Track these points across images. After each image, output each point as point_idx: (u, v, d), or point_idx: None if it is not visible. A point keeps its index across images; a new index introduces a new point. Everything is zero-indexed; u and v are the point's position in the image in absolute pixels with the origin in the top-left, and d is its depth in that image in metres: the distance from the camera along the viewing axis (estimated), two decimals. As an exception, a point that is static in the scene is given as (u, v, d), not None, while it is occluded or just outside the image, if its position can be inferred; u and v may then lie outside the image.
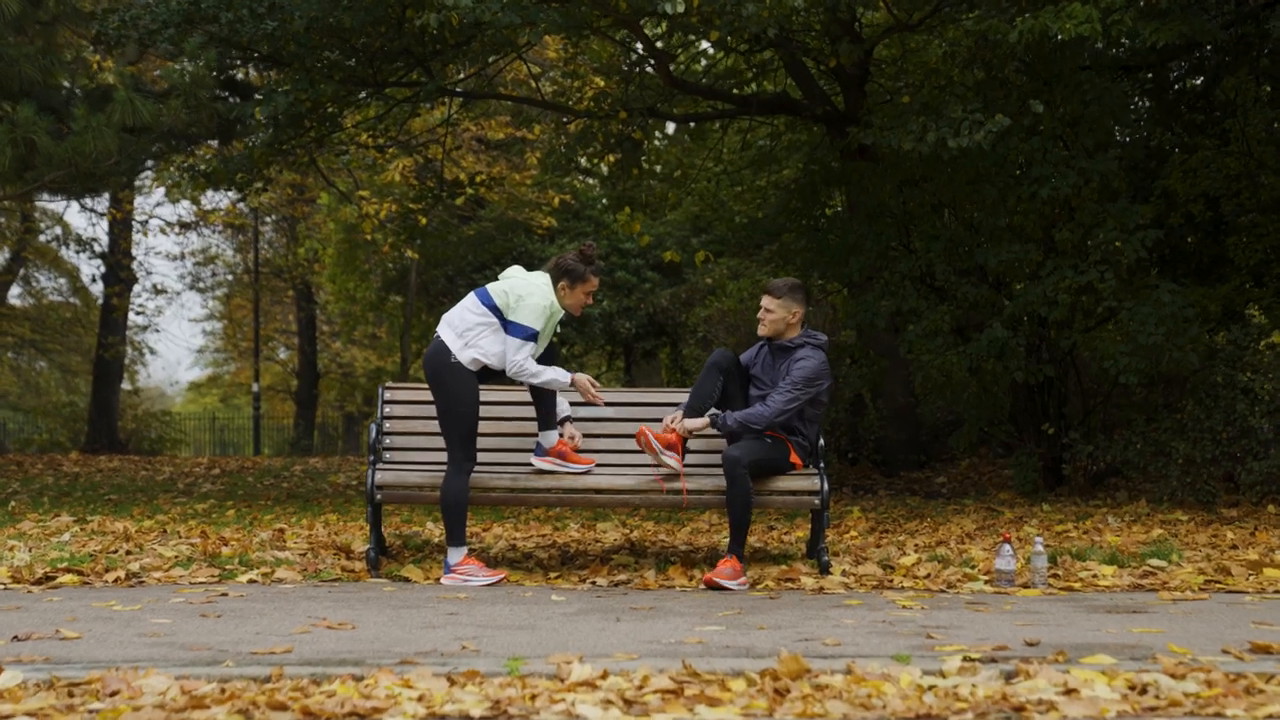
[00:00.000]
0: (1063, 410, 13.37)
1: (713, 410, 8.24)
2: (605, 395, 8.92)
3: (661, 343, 28.79)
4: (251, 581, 7.90)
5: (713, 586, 7.80)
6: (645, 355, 29.50)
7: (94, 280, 37.63)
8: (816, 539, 8.49)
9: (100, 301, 35.00)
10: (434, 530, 10.32)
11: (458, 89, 15.04)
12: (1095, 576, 8.01)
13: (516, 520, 11.13)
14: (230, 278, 43.32)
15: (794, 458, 8.33)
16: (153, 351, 53.28)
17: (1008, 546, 7.87)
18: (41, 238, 36.59)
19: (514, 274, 8.24)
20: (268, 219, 38.40)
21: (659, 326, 27.50)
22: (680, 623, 6.39)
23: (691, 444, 8.50)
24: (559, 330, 8.14)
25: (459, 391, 7.92)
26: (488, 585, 7.86)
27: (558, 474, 8.27)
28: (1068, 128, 12.27)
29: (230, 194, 18.20)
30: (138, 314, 34.01)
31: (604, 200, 27.82)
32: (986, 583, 7.88)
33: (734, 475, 7.97)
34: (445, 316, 8.14)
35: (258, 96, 13.17)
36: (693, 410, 8.34)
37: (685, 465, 8.33)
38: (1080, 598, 7.42)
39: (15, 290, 38.87)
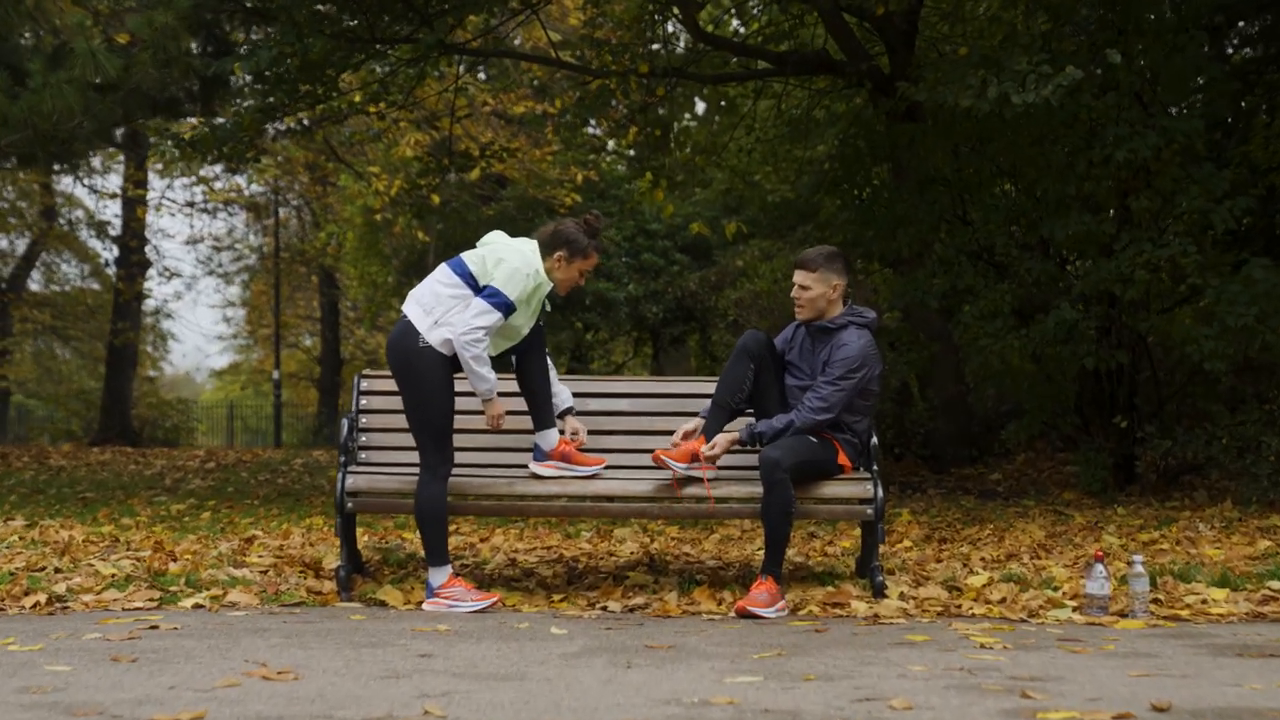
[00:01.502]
0: (1134, 401, 12.00)
1: (742, 425, 6.94)
2: (622, 385, 7.62)
3: (690, 328, 27.83)
4: (197, 607, 6.63)
5: (746, 615, 6.51)
6: (673, 341, 28.53)
7: (105, 265, 36.69)
8: (869, 555, 7.18)
9: (115, 285, 33.91)
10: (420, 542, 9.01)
11: (465, 47, 13.69)
12: (1205, 603, 6.67)
13: (521, 527, 9.78)
14: (250, 262, 42.31)
15: (842, 459, 7.03)
16: (174, 338, 52.43)
17: (1100, 566, 6.54)
18: (60, 221, 35.61)
19: (494, 239, 6.96)
20: (292, 201, 37.41)
21: (687, 311, 26.56)
22: (706, 670, 5.08)
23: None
24: (546, 309, 6.83)
25: (429, 381, 6.64)
26: (477, 611, 6.58)
27: (562, 479, 6.98)
28: (1145, 83, 10.87)
29: (230, 171, 16.59)
30: (145, 299, 32.63)
31: (622, 168, 26.67)
32: (1075, 610, 6.55)
33: (773, 481, 6.67)
34: (412, 293, 6.85)
35: (242, 52, 11.83)
36: (720, 406, 7.04)
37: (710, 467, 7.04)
38: (1194, 632, 6.08)
39: (36, 276, 38.18)
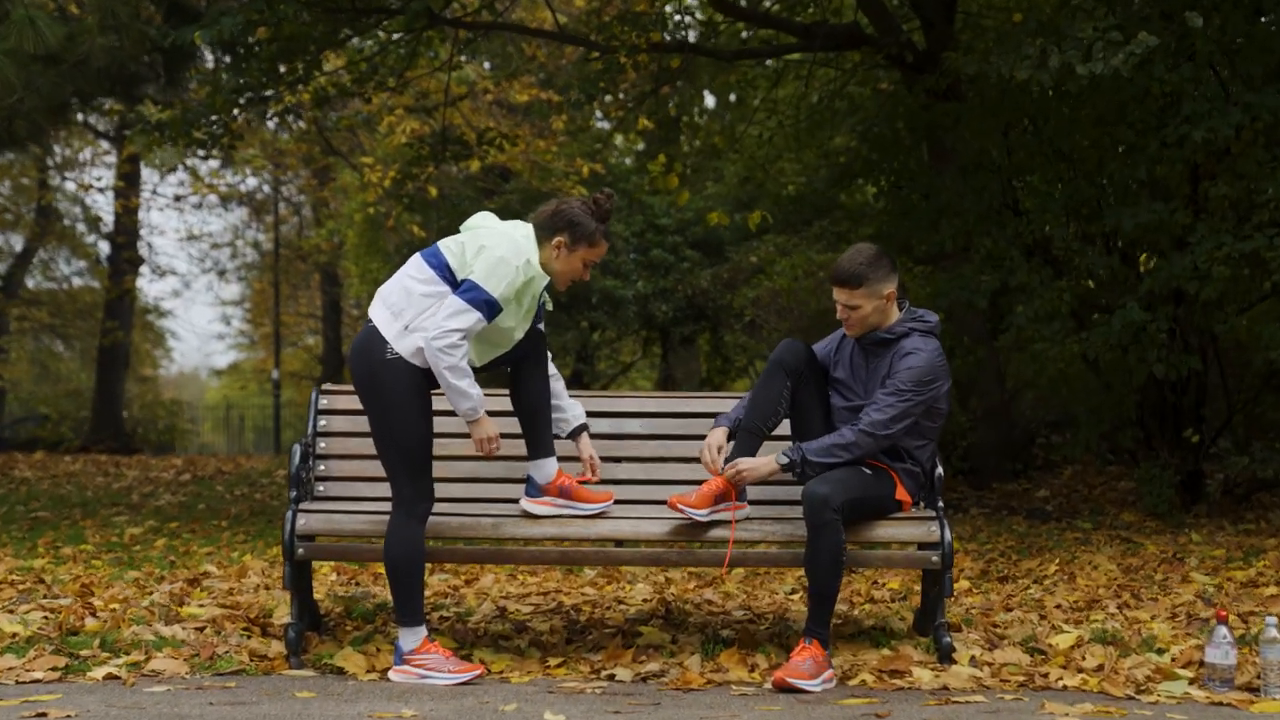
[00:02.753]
0: (1201, 411, 10.74)
1: (783, 452, 5.68)
2: (631, 402, 6.38)
3: (701, 328, 26.75)
4: (109, 679, 5.38)
5: (786, 689, 5.26)
6: (683, 341, 27.43)
7: (97, 263, 35.52)
8: (932, 609, 5.91)
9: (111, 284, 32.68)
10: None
11: (459, 21, 12.41)
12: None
13: (514, 568, 8.42)
14: (250, 259, 41.17)
15: (901, 493, 5.78)
16: (174, 335, 51.31)
17: (1223, 630, 5.27)
18: (66, 221, 34.41)
19: (479, 222, 5.71)
20: (291, 198, 36.33)
21: (699, 310, 25.44)
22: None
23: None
24: (546, 307, 5.60)
25: (399, 399, 5.41)
26: (455, 685, 5.33)
27: (560, 518, 5.74)
28: (1223, 54, 9.57)
29: (207, 159, 15.22)
30: (135, 298, 31.46)
31: (629, 162, 25.54)
32: (1192, 682, 5.30)
33: (820, 524, 5.43)
34: (380, 291, 5.62)
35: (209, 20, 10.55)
36: (750, 433, 5.79)
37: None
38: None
39: (34, 273, 37.07)
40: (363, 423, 6.04)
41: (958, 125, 10.66)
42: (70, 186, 32.94)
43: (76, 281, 38.28)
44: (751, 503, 5.90)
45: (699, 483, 5.82)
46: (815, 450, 5.60)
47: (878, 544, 5.82)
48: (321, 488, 6.10)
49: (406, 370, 5.38)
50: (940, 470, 5.89)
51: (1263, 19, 9.45)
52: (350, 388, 6.11)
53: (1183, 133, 9.31)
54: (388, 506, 5.58)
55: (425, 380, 5.45)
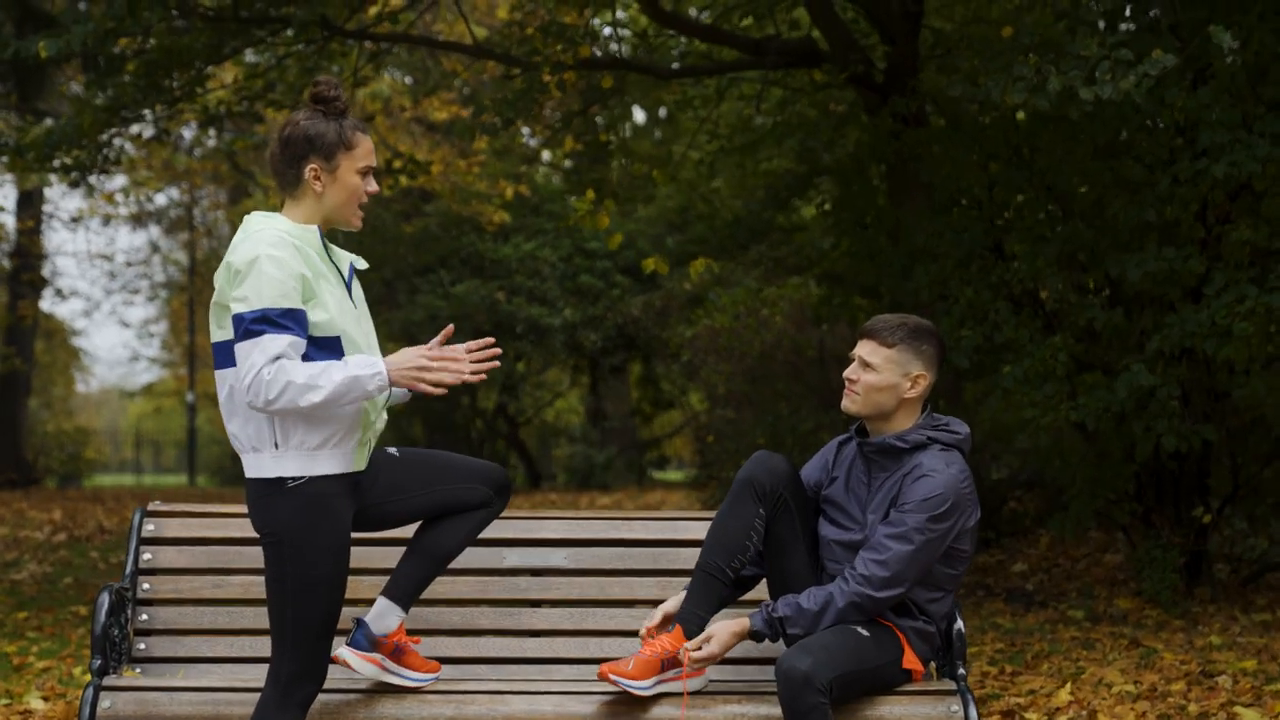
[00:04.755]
0: (1205, 482, 9.43)
1: (751, 617, 4.28)
2: (553, 526, 4.93)
3: (632, 356, 25.53)
4: None
5: None
6: (613, 370, 26.27)
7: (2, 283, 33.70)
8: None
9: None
10: None
11: (362, 32, 10.91)
12: None
13: None
14: (163, 278, 39.44)
15: (910, 659, 4.37)
16: (85, 355, 49.31)
17: None
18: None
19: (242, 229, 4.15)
20: (205, 216, 34.76)
21: (629, 339, 24.34)
22: None
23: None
24: (355, 265, 4.11)
25: (320, 549, 3.98)
26: None
27: (419, 692, 4.29)
28: (1247, 77, 8.23)
29: (74, 185, 13.52)
30: (27, 322, 29.68)
31: (557, 181, 24.27)
32: None
33: (802, 709, 4.04)
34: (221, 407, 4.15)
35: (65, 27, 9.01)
36: (710, 575, 4.38)
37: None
38: None
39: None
40: (202, 555, 4.59)
41: (932, 155, 9.27)
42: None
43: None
44: (712, 679, 4.48)
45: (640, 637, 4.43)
46: (797, 620, 4.21)
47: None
48: (143, 645, 4.60)
49: (316, 500, 3.94)
50: (961, 625, 4.49)
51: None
52: (180, 508, 4.66)
53: (1199, 168, 7.98)
54: (238, 677, 4.12)
55: (349, 497, 4.01)
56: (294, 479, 3.92)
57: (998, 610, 9.49)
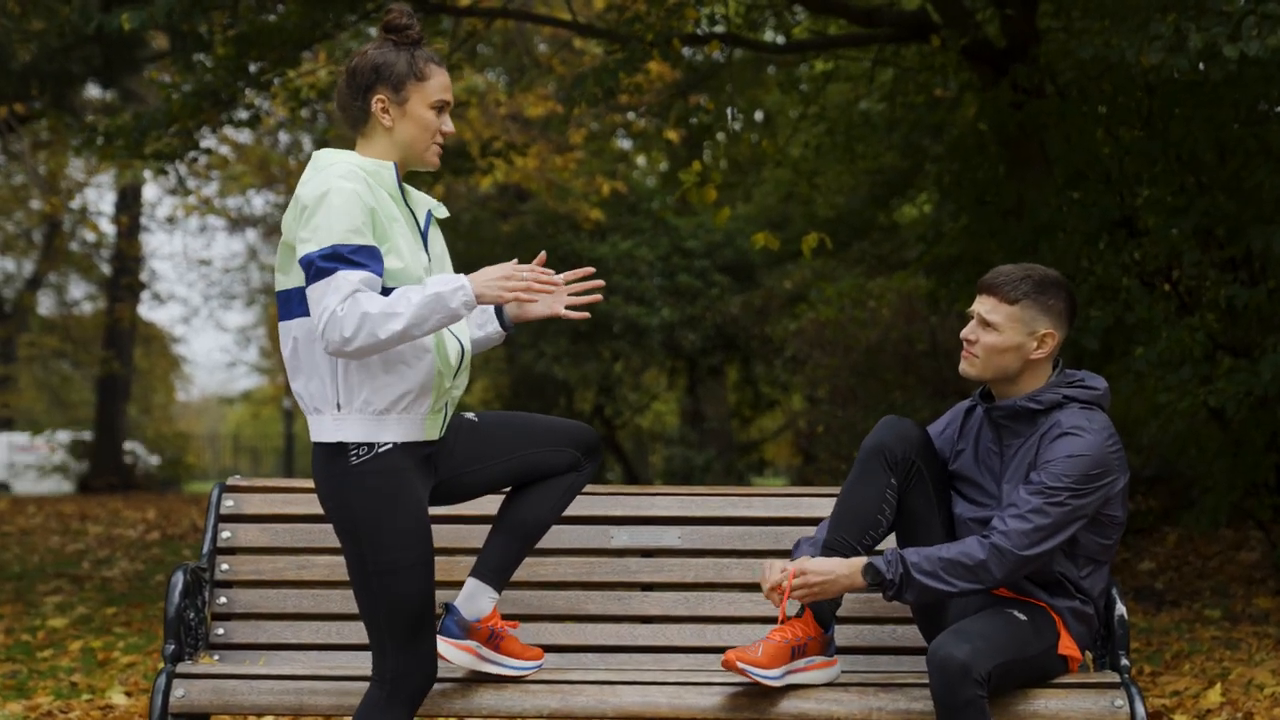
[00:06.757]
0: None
1: (872, 561, 3.81)
2: (664, 503, 4.51)
3: (730, 357, 25.08)
4: None
5: None
6: (711, 372, 25.76)
7: (104, 288, 33.91)
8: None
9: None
10: None
11: (455, 8, 10.54)
12: None
13: None
14: (262, 285, 39.55)
15: (1066, 644, 3.91)
16: (188, 361, 49.82)
17: None
18: (73, 244, 32.70)
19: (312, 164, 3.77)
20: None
21: (728, 339, 23.82)
22: None
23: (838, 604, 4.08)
24: (434, 213, 3.71)
25: (389, 523, 3.59)
26: None
27: (521, 680, 3.90)
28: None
29: (161, 173, 13.21)
30: (123, 325, 29.82)
31: (652, 181, 23.91)
32: None
33: (959, 703, 3.59)
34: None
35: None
36: (835, 552, 3.93)
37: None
38: None
39: (45, 300, 35.69)
40: (285, 534, 4.23)
41: (1061, 125, 8.74)
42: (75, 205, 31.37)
43: (87, 307, 36.91)
44: (843, 652, 4.05)
45: (769, 623, 4.02)
46: (924, 565, 3.73)
47: (1034, 722, 3.95)
48: (221, 630, 4.24)
49: (385, 473, 3.56)
50: (1122, 609, 4.02)
51: None
52: (265, 483, 4.30)
53: (1351, 132, 7.43)
54: (324, 664, 3.74)
55: (425, 473, 3.63)
56: (356, 447, 3.54)
57: (1128, 609, 8.93)
